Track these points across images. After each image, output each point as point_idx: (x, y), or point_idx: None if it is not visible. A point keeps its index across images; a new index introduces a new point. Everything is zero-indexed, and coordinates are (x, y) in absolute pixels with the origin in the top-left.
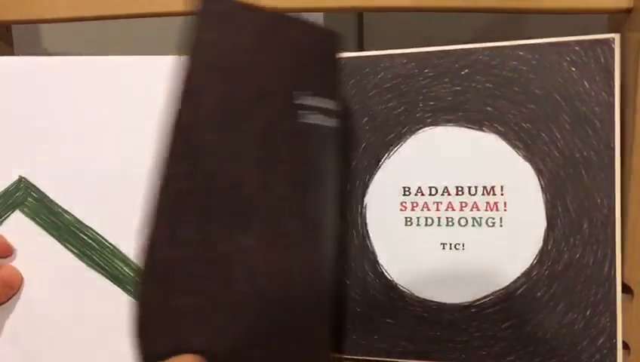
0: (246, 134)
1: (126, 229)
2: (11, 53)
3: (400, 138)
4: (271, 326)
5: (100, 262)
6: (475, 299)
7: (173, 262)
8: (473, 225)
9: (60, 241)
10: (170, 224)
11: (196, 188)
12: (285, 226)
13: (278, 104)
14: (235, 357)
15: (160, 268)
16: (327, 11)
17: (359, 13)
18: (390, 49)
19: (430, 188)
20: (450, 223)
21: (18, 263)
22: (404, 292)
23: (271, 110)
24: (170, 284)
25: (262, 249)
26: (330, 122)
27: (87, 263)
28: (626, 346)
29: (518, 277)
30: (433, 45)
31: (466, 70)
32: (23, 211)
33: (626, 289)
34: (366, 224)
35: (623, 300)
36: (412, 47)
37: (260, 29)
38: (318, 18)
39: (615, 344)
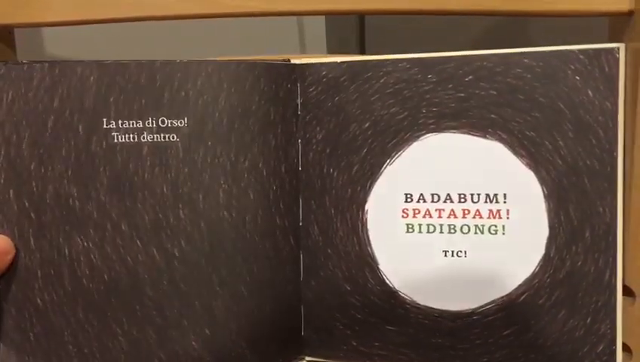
0: (62, 158)
1: None
2: (13, 57)
3: (402, 144)
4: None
5: None
6: (476, 306)
7: (28, 268)
8: (475, 233)
9: None
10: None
11: (24, 207)
12: (116, 227)
13: (86, 131)
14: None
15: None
16: (329, 14)
17: (361, 17)
18: (391, 52)
19: (432, 195)
20: (453, 230)
21: None
22: (405, 299)
23: (80, 136)
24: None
25: (99, 247)
26: (149, 138)
27: None
28: (628, 349)
29: (520, 285)
30: (437, 50)
31: (470, 77)
32: None
33: (628, 292)
34: (367, 230)
35: (625, 303)
36: (414, 51)
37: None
38: (319, 21)
39: (615, 351)
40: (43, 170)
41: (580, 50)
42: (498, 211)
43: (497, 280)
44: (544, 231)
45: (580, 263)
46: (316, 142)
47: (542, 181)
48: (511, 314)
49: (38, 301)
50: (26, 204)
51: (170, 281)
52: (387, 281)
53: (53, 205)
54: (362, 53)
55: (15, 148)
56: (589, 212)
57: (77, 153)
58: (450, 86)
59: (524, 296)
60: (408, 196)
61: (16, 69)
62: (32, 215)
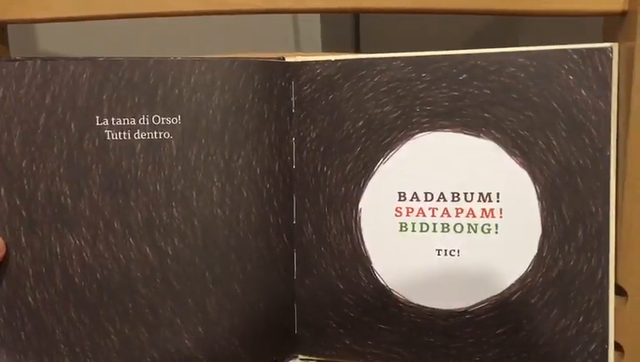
0: (54, 155)
1: None
2: (7, 53)
3: (396, 142)
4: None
5: None
6: (469, 305)
7: (19, 266)
8: (469, 232)
9: None
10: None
11: (15, 205)
12: (109, 225)
13: (78, 129)
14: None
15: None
16: (324, 12)
17: (356, 15)
18: (386, 51)
19: (426, 193)
20: (446, 229)
21: None
22: (398, 298)
23: (72, 134)
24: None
25: (92, 246)
26: (142, 136)
27: None
28: (620, 348)
29: (513, 284)
30: (431, 49)
31: (464, 75)
32: None
33: (621, 291)
34: (360, 229)
35: (617, 302)
36: (408, 50)
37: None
38: (314, 19)
39: (607, 349)
40: (34, 168)
41: (573, 50)
42: (491, 210)
43: (490, 279)
44: (537, 231)
45: (572, 262)
46: (310, 141)
47: (535, 180)
48: (504, 313)
49: (30, 299)
50: (17, 201)
51: (163, 279)
52: (380, 280)
53: (45, 203)
54: (357, 51)
55: (6, 146)
56: (582, 211)
57: (69, 151)
58: (444, 85)
59: (516, 295)
60: (402, 195)
61: (8, 66)
62: (23, 213)
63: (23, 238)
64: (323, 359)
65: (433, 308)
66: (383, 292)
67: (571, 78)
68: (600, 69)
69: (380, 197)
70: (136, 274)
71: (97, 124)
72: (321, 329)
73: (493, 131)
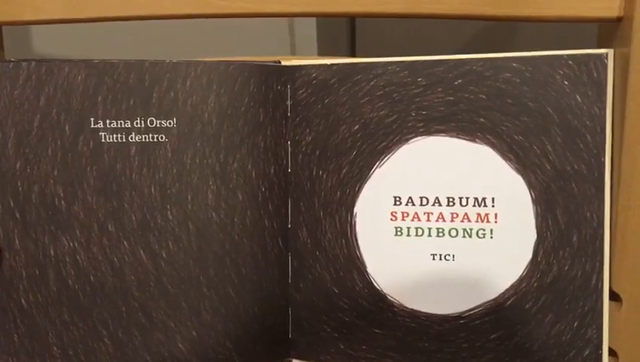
0: (48, 157)
1: None
2: (1, 55)
3: (392, 147)
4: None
5: None
6: (464, 310)
7: (13, 268)
8: (464, 237)
9: None
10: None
11: (9, 207)
12: (103, 227)
13: (73, 131)
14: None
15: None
16: (319, 16)
17: (351, 19)
18: (382, 55)
19: (421, 198)
20: (441, 234)
21: None
22: (392, 302)
23: (66, 136)
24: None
25: (85, 248)
26: (137, 138)
27: None
28: (614, 354)
29: (507, 289)
30: (427, 53)
31: (460, 80)
32: None
33: (615, 296)
34: (355, 233)
35: (612, 308)
36: (404, 54)
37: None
38: (310, 23)
39: (601, 355)
40: (29, 170)
41: (568, 56)
42: (486, 215)
43: (485, 284)
44: (532, 236)
45: (567, 268)
46: (305, 145)
47: (530, 185)
48: (498, 318)
49: (23, 302)
50: (11, 203)
51: (157, 283)
52: (375, 284)
53: (39, 205)
54: (353, 55)
55: (0, 147)
56: (577, 217)
57: (63, 153)
58: (440, 89)
59: (511, 300)
60: (397, 199)
61: (2, 67)
62: (17, 215)
63: (17, 241)
64: None
65: (428, 313)
66: (378, 297)
67: (566, 83)
68: (595, 75)
69: (376, 201)
70: (130, 278)
71: (92, 126)
72: (315, 334)
73: (488, 136)
